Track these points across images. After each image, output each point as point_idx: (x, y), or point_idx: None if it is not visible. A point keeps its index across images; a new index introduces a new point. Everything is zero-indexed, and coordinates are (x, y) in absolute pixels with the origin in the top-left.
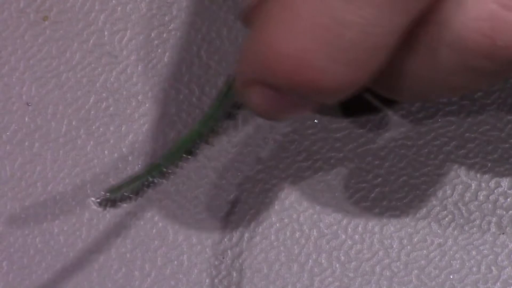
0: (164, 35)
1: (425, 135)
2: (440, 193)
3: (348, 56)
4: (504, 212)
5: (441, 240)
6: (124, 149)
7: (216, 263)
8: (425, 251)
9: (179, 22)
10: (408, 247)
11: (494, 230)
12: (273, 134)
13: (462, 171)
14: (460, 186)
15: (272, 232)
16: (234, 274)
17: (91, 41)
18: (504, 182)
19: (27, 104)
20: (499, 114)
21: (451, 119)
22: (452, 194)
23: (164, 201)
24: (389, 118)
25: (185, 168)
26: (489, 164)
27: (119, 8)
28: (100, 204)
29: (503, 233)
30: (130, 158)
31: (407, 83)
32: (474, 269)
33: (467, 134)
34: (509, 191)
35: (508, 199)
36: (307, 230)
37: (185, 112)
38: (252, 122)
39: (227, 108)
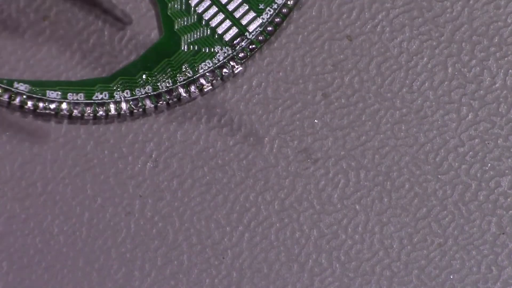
0: None
1: (425, 135)
2: (440, 193)
3: None
4: (504, 212)
5: (441, 240)
6: (124, 149)
7: (216, 263)
8: (425, 251)
9: None
10: (408, 247)
11: (494, 230)
12: (272, 133)
13: (462, 171)
14: (460, 186)
15: (272, 232)
16: (234, 274)
17: (91, 41)
18: (504, 182)
19: None
20: (499, 113)
21: (451, 118)
22: (452, 194)
23: (163, 200)
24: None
25: (183, 167)
26: (489, 164)
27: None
28: None
29: (503, 233)
30: (130, 158)
31: None
32: (474, 269)
33: (467, 133)
34: (509, 191)
35: (508, 199)
36: (307, 230)
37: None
38: (250, 121)
39: None
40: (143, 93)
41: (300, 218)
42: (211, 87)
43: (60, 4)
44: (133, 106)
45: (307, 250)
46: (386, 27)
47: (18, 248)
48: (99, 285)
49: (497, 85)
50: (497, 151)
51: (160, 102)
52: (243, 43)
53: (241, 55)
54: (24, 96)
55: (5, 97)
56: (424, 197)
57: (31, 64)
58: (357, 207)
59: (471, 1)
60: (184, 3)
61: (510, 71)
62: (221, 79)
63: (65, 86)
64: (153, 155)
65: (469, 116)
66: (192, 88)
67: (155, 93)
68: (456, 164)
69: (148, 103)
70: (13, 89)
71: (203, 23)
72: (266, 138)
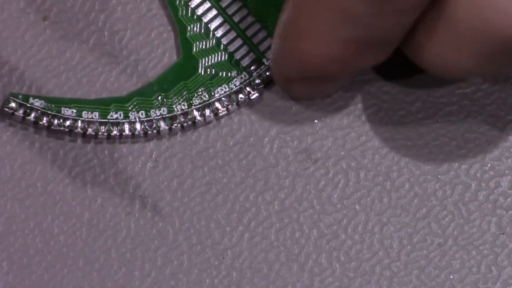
0: (164, 35)
1: (425, 135)
2: (440, 193)
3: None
4: (504, 212)
5: (441, 240)
6: (124, 149)
7: (216, 263)
8: (425, 251)
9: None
10: (408, 247)
11: (494, 230)
12: (273, 133)
13: (462, 171)
14: (460, 186)
15: (272, 232)
16: (234, 274)
17: (91, 41)
18: (504, 182)
19: None
20: (499, 113)
21: (451, 119)
22: (452, 194)
23: (163, 200)
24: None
25: (183, 167)
26: (489, 164)
27: (119, 8)
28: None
29: (503, 233)
30: (130, 158)
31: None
32: (474, 269)
33: (467, 134)
34: (509, 191)
35: (508, 199)
36: (307, 230)
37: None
38: (250, 121)
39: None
40: (158, 114)
41: (300, 218)
42: (226, 111)
43: (60, 4)
44: (147, 127)
45: (307, 250)
46: None
47: (18, 248)
48: (99, 285)
49: (496, 85)
50: (497, 151)
51: (175, 125)
52: (260, 70)
53: (257, 81)
54: (39, 112)
55: (20, 112)
56: (424, 197)
57: (31, 64)
58: (357, 207)
59: None
60: (203, 27)
61: None
62: (237, 104)
63: (81, 104)
64: (153, 155)
65: (469, 117)
66: (207, 112)
67: (170, 115)
68: (456, 164)
69: (162, 124)
70: (28, 105)
71: (221, 47)
72: (266, 138)
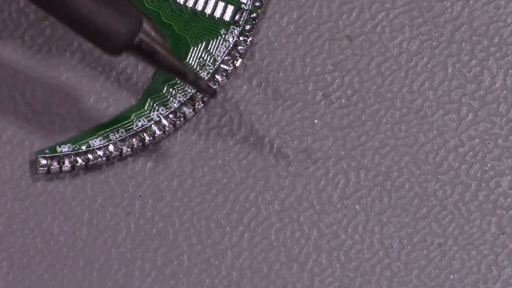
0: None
1: (425, 135)
2: (440, 193)
3: None
4: (504, 212)
5: (441, 240)
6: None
7: (216, 263)
8: (425, 251)
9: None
10: (408, 247)
11: (494, 230)
12: (272, 133)
13: (462, 171)
14: (460, 186)
15: (272, 232)
16: (234, 274)
17: None
18: (504, 182)
19: (27, 104)
20: (499, 113)
21: (451, 118)
22: (452, 194)
23: (163, 200)
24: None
25: (183, 167)
26: (489, 164)
27: None
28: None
29: (503, 233)
30: (130, 158)
31: None
32: (474, 269)
33: (467, 133)
34: (509, 191)
35: (508, 199)
36: (307, 230)
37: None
38: (250, 121)
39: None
40: (176, 103)
41: (300, 218)
42: (233, 68)
43: None
44: (174, 119)
45: (307, 250)
46: (386, 27)
47: (18, 248)
48: (99, 285)
49: (497, 85)
50: (497, 151)
51: (197, 104)
52: (244, 16)
53: (247, 27)
54: (72, 156)
55: (55, 164)
56: (424, 197)
57: (31, 64)
58: (357, 207)
59: (471, 1)
60: (173, 5)
61: (510, 71)
62: (240, 57)
63: (104, 129)
64: (153, 155)
65: (469, 116)
66: (219, 78)
67: (187, 98)
68: (456, 164)
69: (186, 109)
70: (58, 154)
71: (199, 14)
72: (266, 138)
